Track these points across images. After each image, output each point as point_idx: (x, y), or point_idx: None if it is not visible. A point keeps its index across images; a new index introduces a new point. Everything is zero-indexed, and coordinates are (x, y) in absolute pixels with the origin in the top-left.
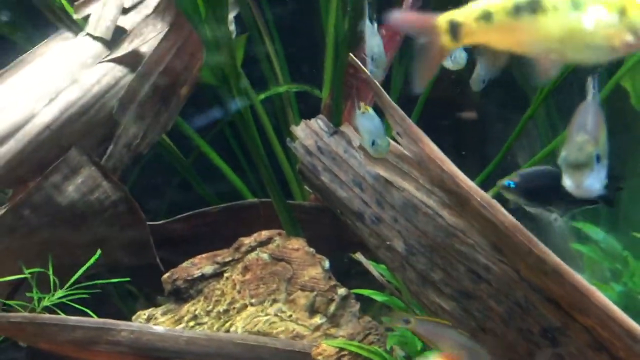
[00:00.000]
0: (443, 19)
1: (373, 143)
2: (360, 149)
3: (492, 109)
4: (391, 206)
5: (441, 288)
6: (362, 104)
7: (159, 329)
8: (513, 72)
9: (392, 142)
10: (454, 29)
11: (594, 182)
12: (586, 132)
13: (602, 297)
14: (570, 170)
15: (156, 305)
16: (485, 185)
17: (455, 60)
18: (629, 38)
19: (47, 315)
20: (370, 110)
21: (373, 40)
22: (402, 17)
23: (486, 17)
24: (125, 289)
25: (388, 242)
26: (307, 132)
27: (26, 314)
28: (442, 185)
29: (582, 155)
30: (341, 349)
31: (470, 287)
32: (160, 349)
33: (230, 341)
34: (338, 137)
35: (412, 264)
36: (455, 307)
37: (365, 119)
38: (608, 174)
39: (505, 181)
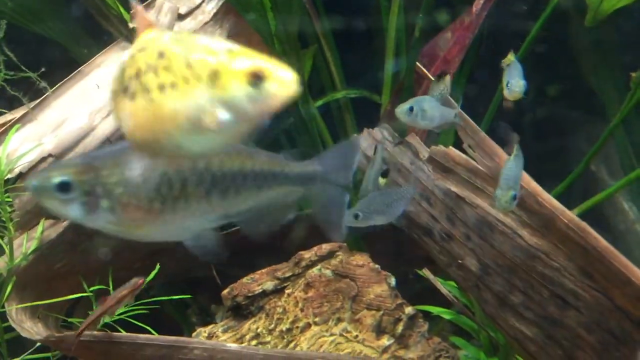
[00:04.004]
0: None
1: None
2: (428, 161)
3: (565, 118)
4: (463, 223)
5: (522, 312)
6: None
7: (234, 346)
8: (589, 81)
9: (463, 155)
10: None
11: None
12: None
13: None
14: None
15: (210, 314)
16: (564, 199)
17: (512, 89)
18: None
19: (117, 333)
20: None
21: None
22: None
23: None
24: (179, 299)
25: (460, 260)
26: (370, 142)
27: (95, 332)
28: (522, 203)
29: None
30: None
31: (556, 313)
32: None
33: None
34: (403, 148)
35: (488, 284)
36: (538, 333)
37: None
38: None
39: None
